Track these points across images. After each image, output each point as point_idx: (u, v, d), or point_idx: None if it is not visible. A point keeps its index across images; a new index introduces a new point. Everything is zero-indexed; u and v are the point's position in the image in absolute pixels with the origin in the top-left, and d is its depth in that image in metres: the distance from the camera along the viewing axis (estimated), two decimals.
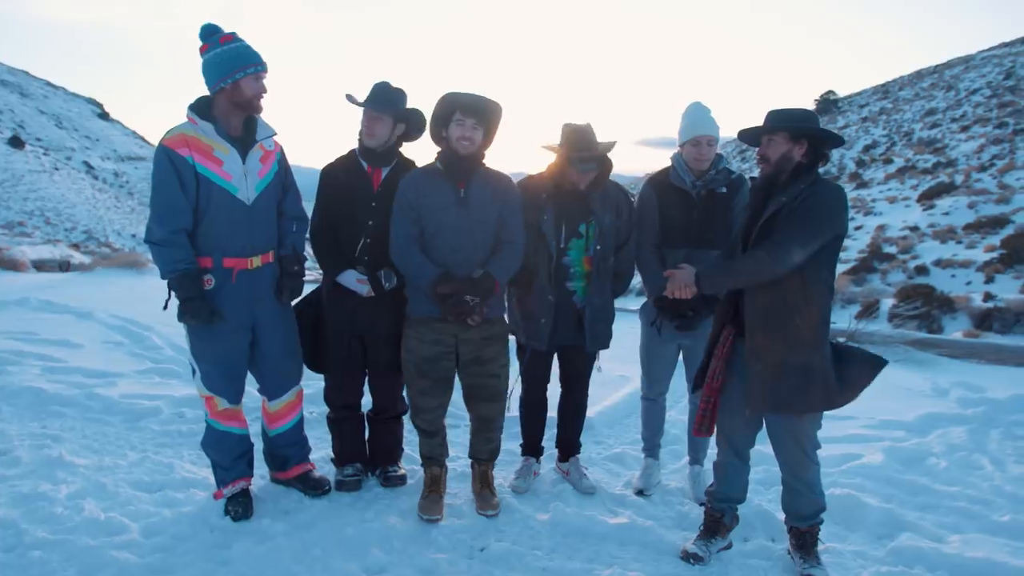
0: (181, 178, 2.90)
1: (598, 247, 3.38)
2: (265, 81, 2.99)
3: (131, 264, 10.94)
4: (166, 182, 2.89)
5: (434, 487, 3.32)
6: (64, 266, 11.67)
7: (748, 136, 2.87)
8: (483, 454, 3.42)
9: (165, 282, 2.96)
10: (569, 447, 3.73)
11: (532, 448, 3.73)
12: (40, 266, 12.35)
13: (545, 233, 3.32)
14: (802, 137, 2.73)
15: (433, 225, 3.08)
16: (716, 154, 3.46)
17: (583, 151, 3.27)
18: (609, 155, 3.35)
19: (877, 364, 2.77)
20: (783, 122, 2.75)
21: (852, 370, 2.75)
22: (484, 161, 3.19)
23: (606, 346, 3.55)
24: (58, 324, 6.60)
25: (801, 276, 2.69)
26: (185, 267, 2.91)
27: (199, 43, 2.96)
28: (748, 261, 2.71)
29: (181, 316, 2.97)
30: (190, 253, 2.94)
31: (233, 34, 2.97)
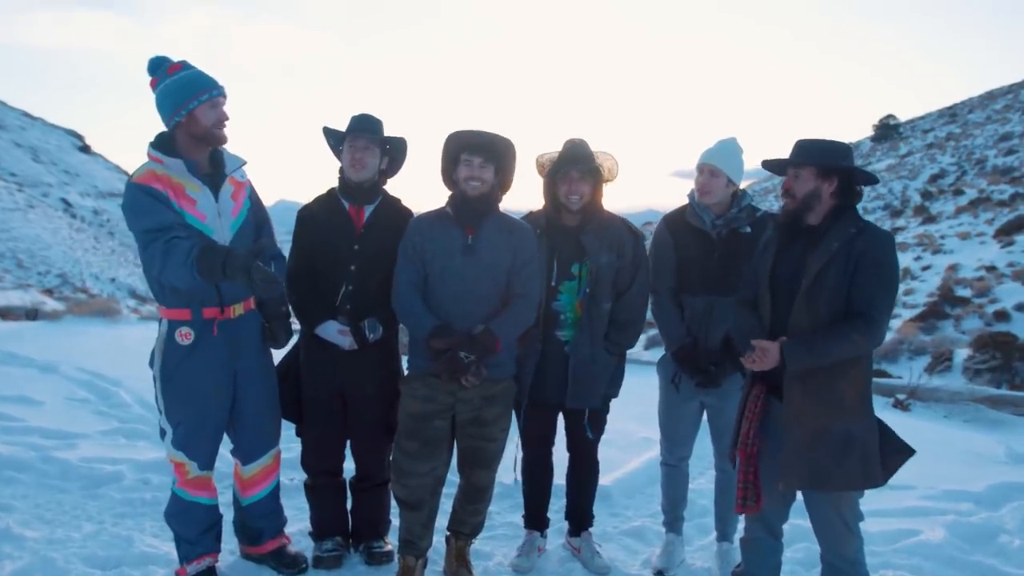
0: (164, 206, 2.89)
1: (587, 290, 3.39)
2: (225, 108, 3.04)
3: (104, 312, 11.08)
4: (150, 208, 2.88)
5: None
6: (32, 314, 11.86)
7: (773, 167, 2.91)
8: (466, 527, 3.40)
9: (199, 276, 2.75)
10: (581, 519, 3.70)
11: (536, 521, 3.70)
12: (6, 314, 12.56)
13: None
14: (832, 173, 2.76)
15: (436, 271, 3.13)
16: (741, 190, 3.50)
17: (572, 163, 3.32)
18: (607, 172, 3.42)
19: (907, 451, 2.78)
20: (811, 157, 2.78)
21: (889, 447, 2.75)
22: (500, 206, 3.24)
23: (593, 405, 3.48)
24: (18, 379, 6.69)
25: None
26: (199, 245, 2.78)
27: (148, 79, 3.01)
28: (844, 344, 2.64)
29: (230, 272, 2.71)
30: (195, 240, 2.83)
31: (183, 62, 3.03)
